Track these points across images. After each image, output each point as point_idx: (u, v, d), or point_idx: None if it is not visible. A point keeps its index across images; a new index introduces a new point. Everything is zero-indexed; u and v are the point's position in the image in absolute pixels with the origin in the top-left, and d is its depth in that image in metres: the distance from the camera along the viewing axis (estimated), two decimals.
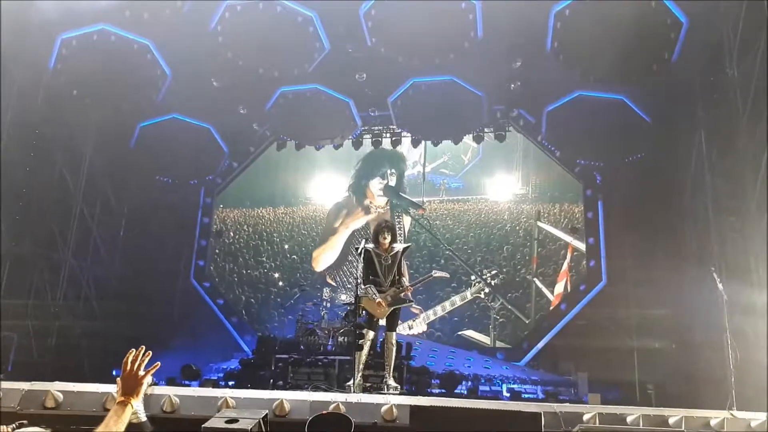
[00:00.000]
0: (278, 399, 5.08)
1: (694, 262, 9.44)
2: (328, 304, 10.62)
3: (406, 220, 13.49)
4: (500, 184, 14.27)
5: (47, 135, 10.47)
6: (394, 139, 13.01)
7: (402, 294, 7.25)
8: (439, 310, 12.51)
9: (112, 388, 4.75)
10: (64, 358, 9.85)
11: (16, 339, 9.50)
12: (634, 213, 11.03)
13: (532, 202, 13.95)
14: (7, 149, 9.22)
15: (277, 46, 10.34)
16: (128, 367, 3.22)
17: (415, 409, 4.97)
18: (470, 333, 12.48)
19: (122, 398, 3.16)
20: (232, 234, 14.92)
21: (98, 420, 3.06)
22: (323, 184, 14.89)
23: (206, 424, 4.29)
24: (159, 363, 3.25)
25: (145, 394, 3.26)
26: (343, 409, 4.98)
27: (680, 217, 10.34)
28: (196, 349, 11.19)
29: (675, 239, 10.22)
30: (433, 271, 8.20)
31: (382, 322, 7.29)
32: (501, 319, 12.43)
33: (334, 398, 5.19)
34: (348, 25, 10.42)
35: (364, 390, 7.08)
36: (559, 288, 12.29)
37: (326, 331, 9.68)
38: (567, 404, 5.78)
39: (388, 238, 7.31)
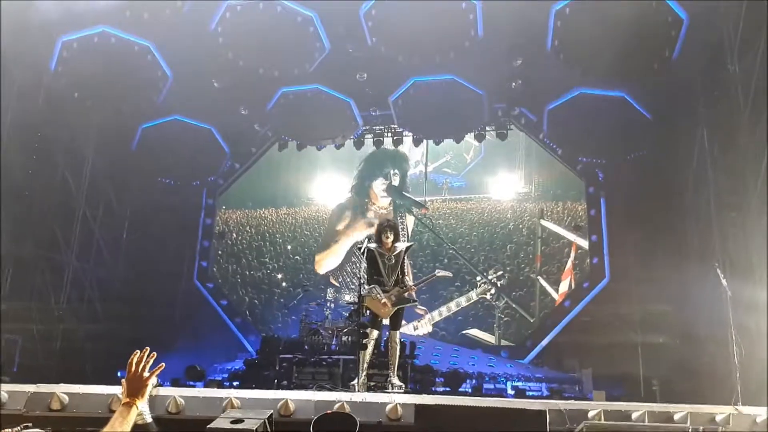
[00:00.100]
0: (283, 399, 5.09)
1: (696, 258, 9.43)
2: (332, 305, 10.63)
3: (410, 220, 13.50)
4: (503, 182, 14.27)
5: (48, 137, 10.49)
6: (395, 138, 13.00)
7: (406, 294, 7.25)
8: (444, 311, 12.51)
9: (117, 390, 4.76)
10: (68, 360, 9.86)
11: (20, 342, 9.52)
12: (636, 210, 11.03)
13: (535, 201, 13.94)
14: (7, 151, 9.24)
15: (277, 47, 10.34)
16: (133, 369, 3.23)
17: (419, 408, 4.97)
18: (474, 332, 12.48)
19: (127, 399, 3.17)
20: (234, 235, 14.94)
21: (104, 422, 3.06)
22: (325, 184, 14.90)
23: (211, 425, 4.30)
24: (164, 364, 3.26)
25: (150, 396, 3.27)
26: (347, 408, 4.99)
27: (682, 213, 10.33)
28: (200, 350, 11.20)
29: (677, 235, 10.21)
30: (437, 271, 8.20)
31: (386, 321, 7.29)
32: (505, 318, 12.43)
33: (338, 397, 5.19)
34: (348, 25, 10.42)
35: (369, 389, 7.09)
36: (564, 286, 12.28)
37: (330, 331, 9.69)
38: (571, 401, 5.78)
39: (391, 238, 7.31)
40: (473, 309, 12.62)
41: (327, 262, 13.50)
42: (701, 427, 5.02)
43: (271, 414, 4.56)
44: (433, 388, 9.34)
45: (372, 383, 7.50)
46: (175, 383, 9.14)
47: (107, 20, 9.99)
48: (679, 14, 9.07)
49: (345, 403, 5.04)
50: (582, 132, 11.00)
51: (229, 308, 13.24)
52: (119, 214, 12.30)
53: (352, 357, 8.26)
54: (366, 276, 7.31)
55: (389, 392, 6.71)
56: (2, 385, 5.16)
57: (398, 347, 7.30)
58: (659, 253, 10.22)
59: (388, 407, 5.06)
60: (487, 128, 12.70)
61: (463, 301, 12.45)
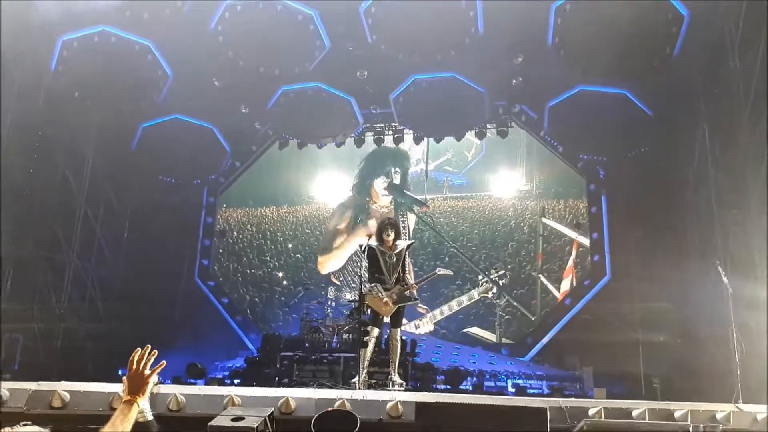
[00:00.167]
0: (284, 396, 5.10)
1: (697, 256, 9.43)
2: (333, 303, 10.64)
3: (411, 218, 13.50)
4: (504, 180, 14.26)
5: (49, 137, 10.48)
6: (396, 136, 12.99)
7: (407, 292, 7.26)
8: (446, 310, 12.50)
9: (118, 388, 4.76)
10: (69, 358, 9.88)
11: (21, 340, 9.53)
12: (637, 207, 11.01)
13: (536, 198, 13.93)
14: (7, 151, 9.24)
15: (277, 45, 10.33)
16: (134, 366, 3.24)
17: (420, 406, 4.98)
18: (475, 330, 12.49)
19: (128, 397, 3.18)
20: (235, 233, 14.95)
21: (105, 419, 3.07)
22: (326, 182, 14.90)
23: (212, 423, 4.31)
24: (165, 362, 3.27)
25: (151, 393, 3.28)
26: (348, 406, 5.00)
27: (683, 211, 10.32)
28: (201, 348, 11.20)
29: (678, 233, 10.20)
30: (437, 269, 8.21)
31: (387, 319, 7.30)
32: (506, 317, 12.43)
33: (339, 395, 5.20)
34: (348, 23, 10.41)
35: (370, 387, 7.10)
36: (565, 284, 12.28)
37: (331, 329, 9.70)
38: (572, 399, 5.79)
39: (392, 236, 7.32)
40: (474, 307, 12.63)
41: (330, 264, 13.48)
42: (702, 425, 5.03)
43: (272, 412, 4.57)
44: (434, 386, 9.34)
45: (373, 381, 7.51)
46: (177, 381, 9.15)
47: (107, 20, 9.98)
48: (680, 11, 9.06)
49: (346, 401, 5.06)
50: (583, 129, 10.98)
51: (230, 306, 13.24)
52: (120, 213, 12.30)
53: (353, 355, 8.26)
54: (367, 274, 7.32)
55: (390, 390, 6.73)
56: (3, 383, 5.17)
57: (399, 345, 7.32)
58: (660, 250, 10.21)
59: (389, 405, 5.08)
60: (488, 126, 12.69)
61: (464, 299, 12.45)
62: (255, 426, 4.21)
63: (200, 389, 5.84)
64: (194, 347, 11.13)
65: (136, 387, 3.21)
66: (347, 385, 7.54)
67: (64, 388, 5.10)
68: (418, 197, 13.61)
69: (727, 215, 8.92)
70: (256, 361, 9.99)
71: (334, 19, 10.39)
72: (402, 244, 7.49)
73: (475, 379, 10.06)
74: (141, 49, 10.35)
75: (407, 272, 7.44)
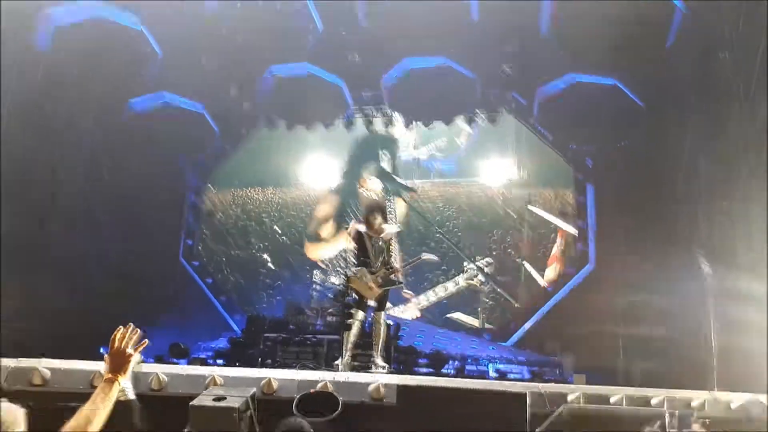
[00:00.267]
0: (266, 377, 5.11)
1: (683, 247, 9.52)
2: (319, 287, 10.66)
3: (399, 203, 13.49)
4: (493, 167, 14.27)
5: (39, 114, 10.32)
6: (386, 120, 12.94)
7: (392, 276, 7.29)
8: (432, 296, 12.55)
9: (100, 366, 4.74)
10: (50, 336, 9.80)
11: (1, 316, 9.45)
12: (625, 198, 11.08)
13: (524, 186, 13.96)
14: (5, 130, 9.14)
15: (269, 27, 10.24)
16: (116, 345, 3.22)
17: (402, 388, 5.03)
18: (458, 315, 12.58)
19: (109, 376, 3.17)
20: (221, 214, 14.87)
21: (86, 397, 3.06)
22: (314, 165, 14.82)
23: (194, 402, 4.31)
24: (147, 340, 3.26)
25: (133, 372, 3.27)
26: (330, 387, 5.02)
27: (671, 201, 10.39)
28: (184, 328, 11.17)
29: (665, 224, 10.29)
30: (422, 254, 8.25)
31: (372, 302, 7.33)
32: (490, 303, 12.52)
33: (322, 377, 5.22)
34: (341, 7, 10.32)
35: (353, 369, 7.14)
36: (550, 272, 12.38)
37: (315, 311, 9.72)
38: (552, 384, 5.86)
39: (379, 220, 7.33)
40: (458, 293, 12.71)
41: (319, 253, 13.39)
42: (677, 411, 5.12)
43: (254, 392, 4.58)
44: (416, 369, 9.42)
45: (356, 363, 7.55)
46: (159, 360, 9.13)
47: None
48: (674, 2, 9.06)
49: (328, 383, 5.08)
50: (573, 118, 11.02)
51: (215, 287, 13.21)
52: (105, 192, 12.15)
53: (337, 337, 8.29)
54: (353, 258, 7.34)
55: (372, 372, 6.77)
56: None
57: (383, 328, 7.36)
58: (646, 240, 10.30)
59: (371, 387, 5.11)
60: (478, 112, 12.66)
61: (450, 285, 12.50)
62: (237, 406, 4.21)
63: (182, 369, 5.83)
64: (178, 327, 11.10)
65: (118, 365, 3.20)
66: (330, 367, 7.58)
67: (44, 365, 5.07)
68: (406, 183, 13.59)
69: (714, 206, 9.00)
70: (239, 341, 9.99)
71: (327, 3, 10.28)
72: (389, 228, 7.50)
73: (457, 363, 10.15)
74: (131, 28, 10.20)
75: (393, 257, 7.45)
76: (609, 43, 9.24)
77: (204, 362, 9.61)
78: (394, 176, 13.60)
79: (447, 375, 9.56)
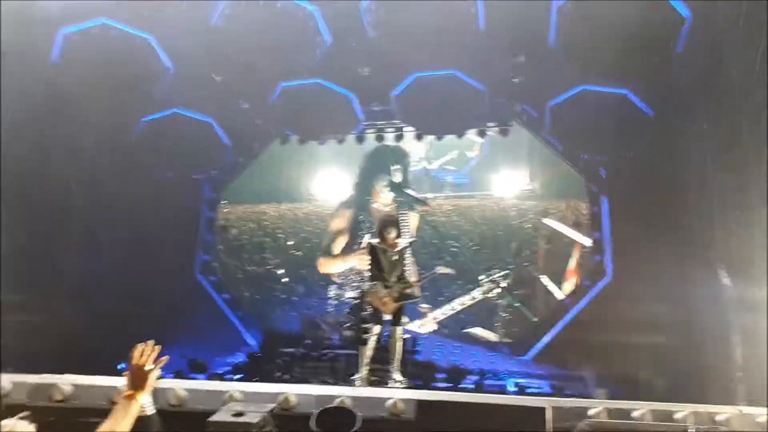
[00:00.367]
0: (284, 393, 5.10)
1: (700, 257, 9.40)
2: (335, 302, 10.62)
3: (413, 217, 13.45)
4: (506, 180, 14.26)
5: (48, 131, 10.46)
6: (397, 134, 12.96)
7: (408, 290, 7.27)
8: (448, 310, 12.45)
9: (120, 382, 4.77)
10: (70, 353, 9.86)
11: (23, 334, 9.52)
12: (639, 207, 10.99)
13: (538, 198, 13.92)
14: (9, 145, 9.24)
15: (278, 41, 10.33)
16: (135, 361, 3.24)
17: (421, 404, 4.98)
18: (476, 330, 12.47)
19: (129, 392, 3.19)
20: (236, 230, 14.96)
21: (106, 413, 3.08)
22: (327, 179, 14.89)
23: (212, 418, 4.31)
24: (167, 356, 3.27)
25: (153, 388, 3.28)
26: (348, 403, 4.99)
27: (686, 211, 10.28)
28: (202, 343, 11.20)
29: (680, 234, 10.17)
30: (437, 267, 8.23)
31: (387, 316, 7.30)
32: (508, 317, 12.41)
33: (339, 392, 5.20)
34: (349, 20, 10.40)
35: (370, 384, 7.10)
36: (568, 286, 12.26)
37: (332, 326, 9.69)
38: (573, 399, 5.77)
39: (393, 233, 7.33)
40: (475, 307, 12.62)
41: (330, 269, 13.31)
42: (703, 427, 5.03)
43: (273, 408, 4.57)
44: (434, 384, 9.35)
45: (373, 378, 7.51)
46: (178, 376, 9.15)
47: (108, 14, 9.98)
48: (681, 12, 9.05)
49: (346, 398, 5.05)
50: (584, 129, 10.95)
51: (231, 302, 13.23)
52: (119, 208, 12.26)
53: (354, 352, 8.25)
54: (368, 272, 7.33)
55: (390, 387, 6.73)
56: (6, 375, 5.18)
57: (400, 343, 7.32)
58: (662, 251, 10.18)
59: (389, 402, 5.07)
60: (489, 124, 12.66)
61: (467, 299, 12.41)
62: (255, 422, 4.21)
63: (201, 384, 5.84)
64: (195, 342, 11.13)
65: (137, 382, 3.22)
66: (347, 382, 7.54)
67: (65, 381, 5.11)
68: (418, 196, 13.57)
69: (730, 215, 8.89)
70: (257, 356, 10.00)
71: (334, 16, 10.38)
72: (403, 242, 7.49)
73: (475, 377, 10.06)
74: (141, 43, 10.33)
75: (409, 271, 7.44)
76: (618, 52, 9.21)
77: (222, 377, 9.63)
78: (407, 189, 13.58)
79: (465, 390, 9.49)
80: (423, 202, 13.37)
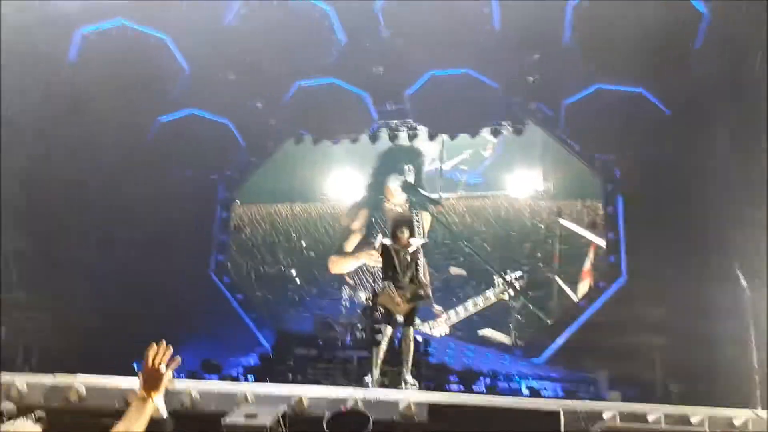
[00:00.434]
0: (297, 394, 5.11)
1: (716, 258, 9.29)
2: (347, 303, 10.63)
3: (425, 217, 13.43)
4: (521, 179, 14.13)
5: (65, 131, 10.57)
6: (411, 133, 12.93)
7: (420, 290, 7.25)
8: (462, 311, 12.38)
9: (134, 383, 4.80)
10: (84, 353, 9.97)
11: (38, 334, 9.65)
12: (655, 208, 10.86)
13: (553, 198, 13.79)
14: (25, 145, 9.36)
15: (293, 40, 10.37)
16: (148, 362, 3.25)
17: (433, 406, 4.97)
18: (489, 332, 12.39)
19: (143, 394, 3.19)
20: (249, 230, 15.00)
21: (121, 414, 3.09)
22: (340, 179, 14.88)
23: (225, 419, 4.33)
24: (180, 358, 3.28)
25: (167, 389, 3.29)
26: (361, 405, 4.99)
27: (702, 211, 10.16)
28: (215, 344, 11.24)
29: (697, 235, 10.05)
30: (450, 268, 8.19)
31: (400, 318, 7.29)
32: (521, 319, 12.31)
33: (352, 394, 5.20)
34: (364, 19, 10.41)
35: (382, 386, 7.10)
36: (583, 287, 12.14)
37: (344, 327, 9.69)
38: (586, 402, 5.73)
39: (406, 234, 7.33)
40: (488, 309, 12.55)
41: (340, 267, 13.34)
42: (719, 430, 4.96)
43: (286, 409, 4.58)
44: (447, 386, 9.31)
45: (386, 380, 7.50)
46: (191, 377, 9.20)
47: (124, 14, 10.07)
48: (699, 9, 8.93)
49: (358, 400, 5.05)
50: (599, 128, 10.87)
51: (245, 303, 13.27)
52: (135, 208, 12.35)
53: (366, 353, 8.25)
54: (381, 272, 7.33)
55: (403, 390, 6.72)
56: (22, 375, 5.25)
57: (412, 344, 7.31)
58: (678, 252, 10.07)
59: (402, 405, 5.07)
60: (504, 123, 12.58)
61: (480, 301, 12.33)
62: (268, 424, 4.22)
63: (214, 385, 5.88)
64: (209, 343, 11.18)
65: (151, 383, 3.22)
66: (360, 383, 7.53)
67: (80, 381, 5.16)
68: (432, 196, 13.52)
69: (747, 216, 8.77)
70: (269, 358, 10.02)
71: (349, 15, 10.38)
72: (416, 242, 7.47)
73: (488, 380, 10.00)
74: (157, 43, 10.42)
75: (421, 271, 7.42)
76: (634, 51, 9.13)
77: (235, 379, 9.67)
78: (420, 189, 13.54)
79: (478, 392, 9.44)
80: (436, 202, 13.34)
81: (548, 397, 9.29)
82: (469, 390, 9.41)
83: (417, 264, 7.39)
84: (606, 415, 5.03)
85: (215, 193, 13.64)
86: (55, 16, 9.59)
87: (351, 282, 12.90)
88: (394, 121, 12.93)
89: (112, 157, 11.50)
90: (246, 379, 9.65)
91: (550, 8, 9.62)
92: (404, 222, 7.50)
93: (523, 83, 11.25)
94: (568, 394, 9.50)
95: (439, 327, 12.36)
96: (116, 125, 11.30)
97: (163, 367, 3.26)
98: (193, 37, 10.42)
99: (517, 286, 12.10)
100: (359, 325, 9.53)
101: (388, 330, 7.23)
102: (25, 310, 9.30)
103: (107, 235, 11.66)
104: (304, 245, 14.82)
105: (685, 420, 5.07)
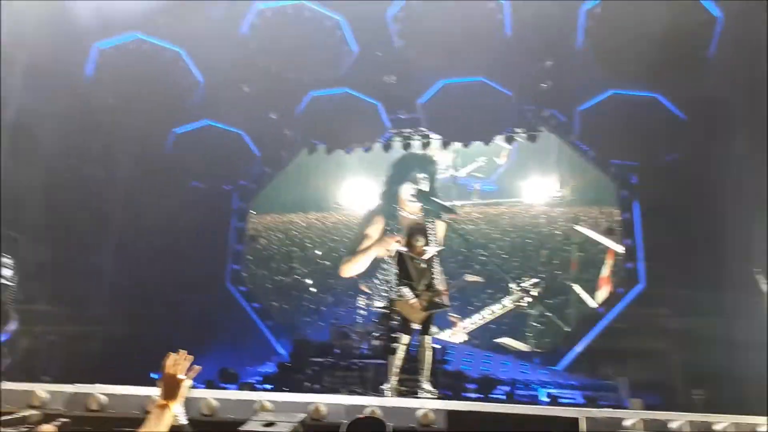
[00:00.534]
0: (314, 402, 5.10)
1: (735, 263, 9.15)
2: (364, 312, 10.62)
3: (440, 225, 13.42)
4: (536, 186, 14.08)
5: (83, 145, 10.72)
6: (424, 141, 12.95)
7: (437, 298, 7.21)
8: (478, 319, 12.33)
9: (154, 391, 4.84)
10: (104, 362, 10.06)
11: (59, 344, 9.75)
12: (672, 213, 10.76)
13: (569, 205, 13.71)
14: (44, 158, 9.49)
15: (305, 51, 10.44)
16: (167, 371, 3.27)
17: (452, 414, 4.93)
18: (507, 341, 12.30)
19: (162, 401, 3.21)
20: (264, 240, 15.08)
21: (140, 422, 3.11)
22: (354, 188, 14.92)
23: (243, 427, 4.33)
24: (199, 366, 3.29)
25: (185, 398, 3.30)
26: (379, 413, 4.97)
27: (720, 216, 10.03)
28: (233, 353, 11.30)
29: (715, 240, 9.92)
30: (465, 275, 8.16)
31: (416, 326, 7.26)
32: (539, 326, 12.22)
33: (369, 402, 5.18)
34: (375, 28, 10.45)
35: (400, 394, 7.05)
36: (601, 295, 12.03)
37: (361, 335, 9.68)
38: (607, 410, 5.64)
39: (422, 242, 7.30)
40: (505, 316, 12.48)
41: (352, 267, 13.35)
42: None
43: (303, 417, 4.57)
44: (465, 394, 9.25)
45: (403, 388, 7.46)
46: (209, 385, 9.23)
47: (140, 28, 10.22)
48: (713, 13, 8.86)
49: (376, 408, 5.03)
50: (614, 134, 10.79)
51: (261, 312, 13.34)
52: (151, 219, 12.47)
53: (383, 361, 8.23)
54: (396, 280, 7.31)
55: (420, 398, 6.68)
56: (44, 385, 5.31)
57: (429, 352, 7.25)
58: (696, 257, 9.95)
59: (420, 412, 5.03)
60: (517, 130, 12.55)
61: (497, 308, 12.28)
62: (286, 431, 4.22)
63: (232, 394, 5.88)
64: (226, 352, 11.23)
65: (170, 391, 3.24)
66: (377, 392, 7.50)
67: (100, 390, 5.20)
68: (446, 204, 13.49)
69: (764, 220, 8.64)
70: (287, 366, 10.03)
71: (361, 24, 10.44)
72: (431, 250, 7.45)
73: (507, 387, 9.91)
74: (172, 56, 10.56)
75: (437, 279, 7.39)
76: (648, 55, 9.06)
77: (253, 387, 9.69)
78: (434, 197, 13.52)
79: (497, 400, 9.36)
80: (450, 210, 13.30)
81: (567, 405, 9.18)
82: (487, 398, 9.34)
83: (432, 272, 7.36)
84: (627, 423, 4.95)
85: (230, 204, 13.76)
86: (72, 31, 9.74)
87: (367, 291, 12.91)
88: (407, 130, 12.98)
89: (129, 169, 11.66)
90: (263, 388, 9.66)
91: (563, 13, 9.59)
92: (418, 230, 7.48)
93: (537, 90, 11.24)
94: (589, 402, 9.39)
95: (456, 335, 12.31)
96: (133, 137, 11.47)
97: (181, 376, 3.27)
98: (208, 49, 10.54)
99: (534, 294, 12.03)
100: (375, 333, 9.51)
101: (405, 338, 7.19)
102: (46, 322, 9.40)
103: (125, 246, 11.79)
104: (318, 254, 14.85)
105: (708, 428, 4.98)
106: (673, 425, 4.97)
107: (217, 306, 12.86)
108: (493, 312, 12.27)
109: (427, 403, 5.29)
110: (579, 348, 11.31)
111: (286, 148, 13.70)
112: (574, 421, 4.90)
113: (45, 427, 3.24)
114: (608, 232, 12.42)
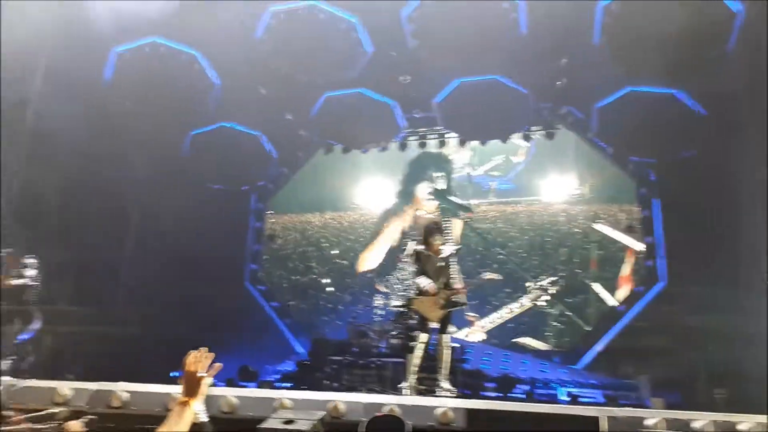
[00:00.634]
0: (333, 400, 5.11)
1: (756, 260, 9.00)
2: (382, 312, 10.63)
3: (457, 224, 13.38)
4: (554, 184, 13.96)
5: (101, 147, 10.86)
6: (440, 140, 12.92)
7: (454, 297, 7.20)
8: (497, 318, 12.28)
9: (175, 389, 4.89)
10: (126, 360, 10.18)
11: (78, 344, 9.89)
12: (691, 211, 10.60)
13: (588, 203, 13.58)
14: (62, 160, 9.63)
15: (320, 53, 10.48)
16: (189, 368, 3.30)
17: (471, 413, 4.91)
18: (526, 340, 12.22)
19: (184, 399, 3.25)
20: (281, 240, 15.17)
21: (162, 419, 3.15)
22: (370, 188, 14.94)
23: (263, 425, 4.35)
24: (221, 364, 3.32)
25: (206, 395, 3.34)
26: (397, 411, 4.97)
27: (741, 213, 9.87)
28: (252, 351, 11.37)
29: (735, 237, 9.77)
30: (483, 273, 8.14)
31: (434, 324, 7.25)
32: (559, 326, 12.13)
33: (388, 400, 5.18)
34: (390, 28, 10.45)
35: (419, 392, 7.05)
36: (622, 293, 11.91)
37: (379, 334, 9.70)
38: (628, 408, 5.57)
39: (438, 240, 7.30)
40: (524, 315, 12.40)
41: (369, 259, 13.42)
42: None
43: (323, 415, 4.59)
44: (483, 393, 9.22)
45: (422, 387, 7.46)
46: (229, 383, 9.32)
47: (156, 32, 10.33)
48: (732, 8, 8.72)
49: (395, 406, 5.03)
50: (632, 131, 10.67)
51: (280, 311, 13.43)
52: (171, 220, 12.60)
53: (402, 360, 8.24)
54: (413, 275, 7.32)
55: (439, 396, 6.67)
56: (68, 382, 5.40)
57: (447, 351, 7.24)
58: (717, 255, 9.79)
59: (439, 411, 5.02)
60: (534, 128, 12.47)
61: (515, 307, 12.21)
62: (306, 429, 4.23)
63: (252, 392, 5.93)
64: (245, 350, 11.31)
65: (191, 389, 3.27)
66: (395, 390, 7.51)
67: (122, 388, 5.27)
68: (462, 202, 13.46)
69: None
70: (306, 364, 10.09)
71: (375, 25, 10.45)
72: (449, 249, 7.44)
73: (526, 386, 9.86)
74: (189, 59, 10.67)
75: (455, 278, 7.37)
76: (666, 51, 8.94)
77: (272, 385, 9.76)
78: (450, 196, 13.49)
79: (516, 399, 9.31)
80: (467, 208, 13.26)
81: (588, 404, 9.10)
82: (506, 397, 9.30)
83: (450, 270, 7.34)
84: (649, 422, 4.89)
85: (248, 204, 13.87)
86: (91, 36, 9.87)
87: (384, 290, 12.93)
88: (423, 129, 12.97)
89: (147, 171, 11.78)
90: (283, 386, 9.73)
91: (577, 11, 9.51)
92: (435, 229, 7.48)
93: (553, 87, 11.16)
94: (609, 401, 9.30)
95: (474, 333, 12.26)
96: (150, 140, 11.58)
97: (201, 373, 3.30)
98: (224, 52, 10.63)
99: (552, 292, 11.95)
100: (393, 332, 9.53)
101: (423, 337, 7.18)
102: (68, 322, 9.54)
103: (145, 247, 11.93)
104: (335, 253, 14.89)
105: (732, 427, 4.89)
106: (696, 425, 4.89)
107: (237, 305, 12.96)
108: (511, 311, 12.20)
109: (446, 402, 5.27)
110: (599, 347, 11.20)
111: (302, 149, 13.78)
112: (595, 420, 4.84)
113: (72, 423, 3.29)
114: (628, 230, 12.29)
